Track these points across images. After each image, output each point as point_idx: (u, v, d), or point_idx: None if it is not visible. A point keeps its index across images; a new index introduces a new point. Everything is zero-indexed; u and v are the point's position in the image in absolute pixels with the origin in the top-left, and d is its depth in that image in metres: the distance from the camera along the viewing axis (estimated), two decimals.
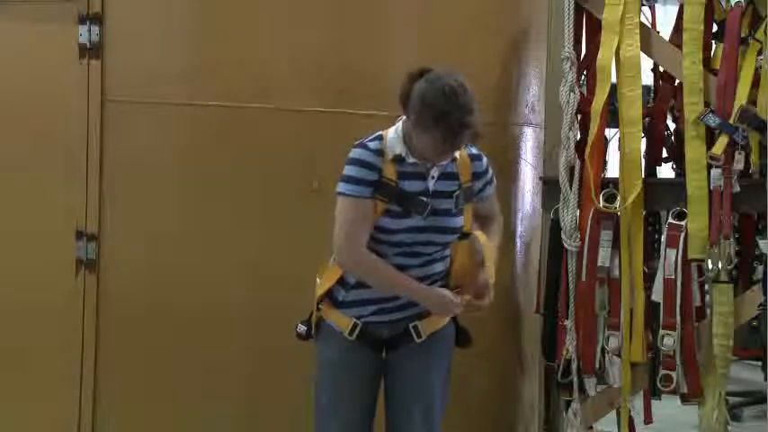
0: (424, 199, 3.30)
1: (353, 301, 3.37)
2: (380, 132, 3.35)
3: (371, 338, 3.38)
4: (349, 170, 3.28)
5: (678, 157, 4.41)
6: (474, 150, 3.43)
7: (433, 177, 3.33)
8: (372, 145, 3.30)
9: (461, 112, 3.17)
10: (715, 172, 4.00)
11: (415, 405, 3.42)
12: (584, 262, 4.19)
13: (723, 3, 4.20)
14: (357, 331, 3.36)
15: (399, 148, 3.29)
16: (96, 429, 4.14)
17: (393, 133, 3.33)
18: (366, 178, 3.26)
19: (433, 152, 3.25)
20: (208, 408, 4.16)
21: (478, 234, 3.46)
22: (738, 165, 3.97)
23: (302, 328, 3.48)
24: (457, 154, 3.35)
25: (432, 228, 3.33)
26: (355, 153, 3.30)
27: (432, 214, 3.31)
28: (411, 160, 3.30)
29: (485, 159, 3.47)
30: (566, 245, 4.24)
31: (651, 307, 4.14)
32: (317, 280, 3.44)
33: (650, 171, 4.51)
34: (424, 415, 3.43)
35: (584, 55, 4.43)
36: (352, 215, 3.26)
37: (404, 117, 3.32)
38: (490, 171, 3.50)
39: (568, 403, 4.30)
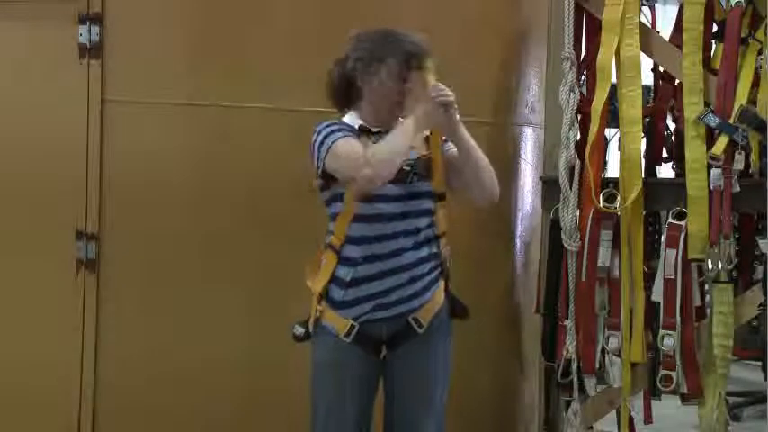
0: (405, 167, 3.33)
1: (353, 300, 3.36)
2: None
3: (369, 339, 3.38)
4: (325, 130, 3.34)
5: (678, 157, 4.41)
6: None
7: None
8: (333, 119, 3.41)
9: (404, 31, 3.34)
10: (715, 172, 3.99)
11: (417, 401, 3.43)
12: (584, 262, 4.19)
13: (723, 3, 4.20)
14: (354, 333, 3.36)
15: (359, 123, 3.38)
16: (96, 430, 4.15)
17: (348, 116, 3.43)
18: (346, 128, 3.34)
19: (396, 85, 3.31)
20: (209, 405, 4.16)
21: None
22: (738, 165, 3.96)
23: (299, 330, 3.48)
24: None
25: (408, 194, 3.36)
26: (323, 123, 3.38)
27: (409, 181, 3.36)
28: (375, 129, 3.37)
29: None
30: (566, 245, 4.24)
31: (651, 307, 4.14)
32: (308, 282, 3.44)
33: (650, 171, 4.52)
34: (426, 409, 3.43)
35: (584, 55, 4.43)
36: (348, 142, 3.28)
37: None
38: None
39: (568, 403, 4.30)
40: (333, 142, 3.30)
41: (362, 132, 3.37)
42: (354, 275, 3.35)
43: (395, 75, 3.33)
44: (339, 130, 3.34)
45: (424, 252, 3.40)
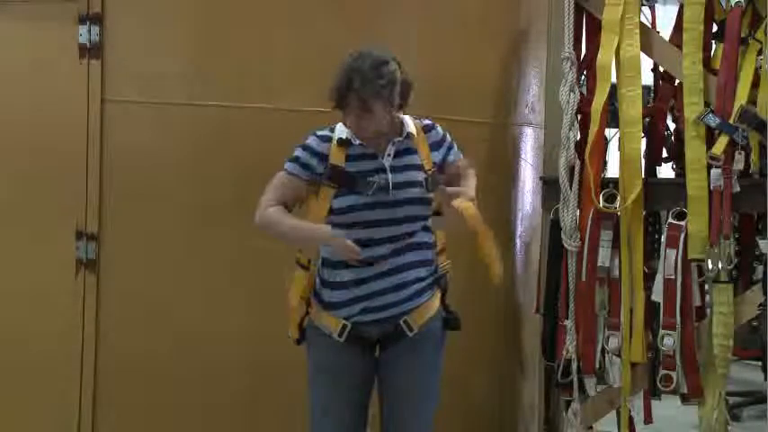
0: (370, 178, 3.34)
1: (341, 302, 3.38)
2: (336, 124, 3.46)
3: (361, 339, 3.40)
4: (295, 151, 3.43)
5: (678, 157, 4.41)
6: (427, 122, 3.52)
7: (389, 155, 3.39)
8: (321, 132, 3.45)
9: (361, 68, 3.29)
10: (715, 172, 3.99)
11: (407, 403, 3.43)
12: (584, 262, 4.19)
13: (723, 3, 4.20)
14: (346, 333, 3.38)
15: (345, 134, 3.40)
16: (96, 429, 4.15)
17: (341, 124, 3.45)
18: (306, 161, 3.39)
19: (360, 122, 3.33)
20: (210, 405, 4.16)
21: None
22: (738, 165, 3.97)
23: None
24: (412, 128, 3.42)
25: (392, 202, 3.36)
26: (306, 139, 3.45)
27: (394, 189, 3.35)
28: (357, 143, 3.39)
29: (439, 127, 3.54)
30: (566, 245, 4.24)
31: (651, 307, 4.15)
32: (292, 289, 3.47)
33: (650, 171, 4.52)
34: (417, 413, 3.44)
35: (584, 55, 4.43)
36: (278, 184, 3.41)
37: None
38: (448, 137, 3.55)
39: (568, 403, 4.30)
40: (285, 169, 3.41)
41: (342, 144, 3.38)
42: (335, 279, 3.38)
43: (350, 106, 3.33)
44: (298, 161, 3.39)
45: (413, 258, 3.40)
